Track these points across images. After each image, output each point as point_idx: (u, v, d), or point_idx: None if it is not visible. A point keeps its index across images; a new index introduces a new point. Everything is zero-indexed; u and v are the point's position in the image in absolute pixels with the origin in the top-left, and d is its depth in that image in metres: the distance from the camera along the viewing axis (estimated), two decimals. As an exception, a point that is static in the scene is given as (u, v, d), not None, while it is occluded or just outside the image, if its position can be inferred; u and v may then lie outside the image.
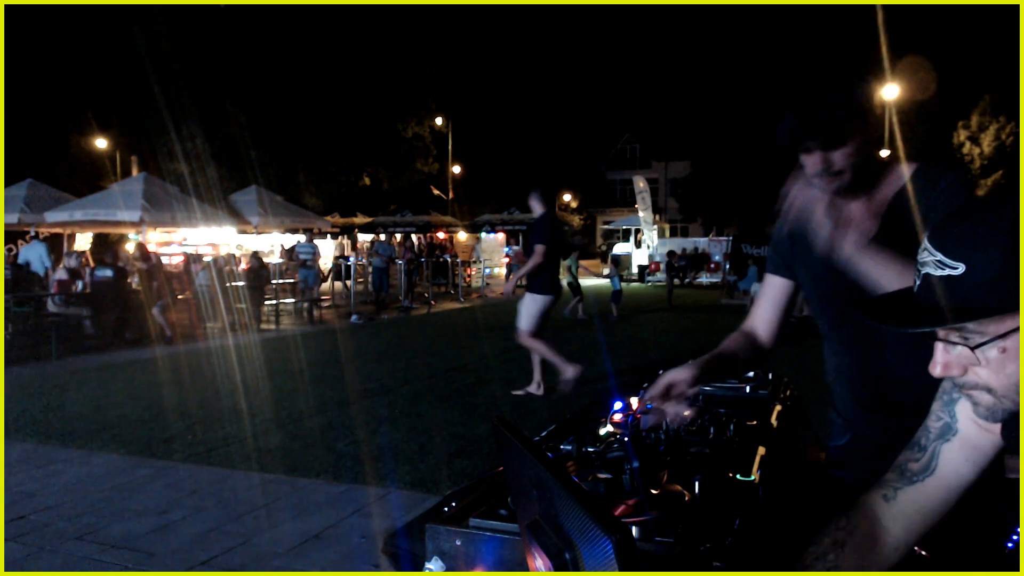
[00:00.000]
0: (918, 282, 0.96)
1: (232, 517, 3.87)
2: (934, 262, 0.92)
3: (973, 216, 0.92)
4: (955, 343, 0.95)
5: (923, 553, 1.30)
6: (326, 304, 15.98)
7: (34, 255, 12.55)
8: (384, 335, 11.68)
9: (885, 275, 1.53)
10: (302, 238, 15.96)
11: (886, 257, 1.53)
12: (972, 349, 0.93)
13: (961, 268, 0.89)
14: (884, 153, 1.77)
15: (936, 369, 0.98)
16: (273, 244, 19.46)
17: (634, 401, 2.32)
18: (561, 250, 7.04)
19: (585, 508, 0.86)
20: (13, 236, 16.51)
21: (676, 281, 18.11)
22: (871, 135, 1.62)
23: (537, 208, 6.68)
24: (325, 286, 17.29)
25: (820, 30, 35.26)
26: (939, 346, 0.98)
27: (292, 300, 14.84)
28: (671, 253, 20.22)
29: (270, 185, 20.45)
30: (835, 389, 1.90)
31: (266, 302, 13.54)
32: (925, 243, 0.95)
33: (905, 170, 1.65)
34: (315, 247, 15.20)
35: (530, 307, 6.51)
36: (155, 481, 4.47)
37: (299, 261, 14.71)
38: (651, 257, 26.18)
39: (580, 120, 53.09)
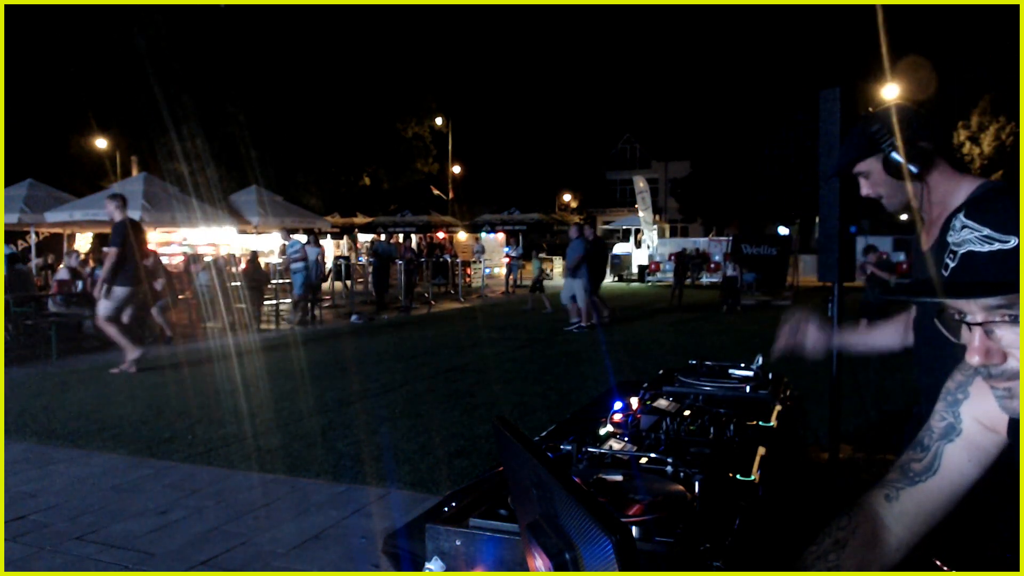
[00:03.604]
0: (952, 264, 0.93)
1: (232, 517, 3.87)
2: (979, 238, 0.89)
3: (1018, 189, 0.90)
4: (999, 325, 0.91)
5: (939, 564, 1.30)
6: (326, 304, 15.97)
7: None
8: (384, 335, 11.68)
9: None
10: (299, 238, 14.94)
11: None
12: None
13: (1013, 241, 0.86)
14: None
15: (975, 357, 0.94)
16: (274, 244, 19.42)
17: (634, 401, 2.32)
18: (137, 250, 8.11)
19: (585, 508, 0.86)
20: (13, 236, 16.51)
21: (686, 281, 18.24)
22: (888, 166, 1.86)
23: (116, 215, 7.87)
24: (325, 286, 17.29)
25: (820, 30, 35.24)
26: (977, 332, 0.93)
27: (290, 300, 14.80)
28: (682, 252, 20.24)
29: (270, 185, 20.41)
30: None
31: (266, 302, 13.53)
32: (963, 221, 0.92)
33: (970, 184, 1.84)
34: (299, 244, 13.49)
35: (110, 297, 7.83)
36: (155, 481, 4.47)
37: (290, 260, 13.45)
38: (651, 257, 26.19)
39: (580, 120, 53.09)
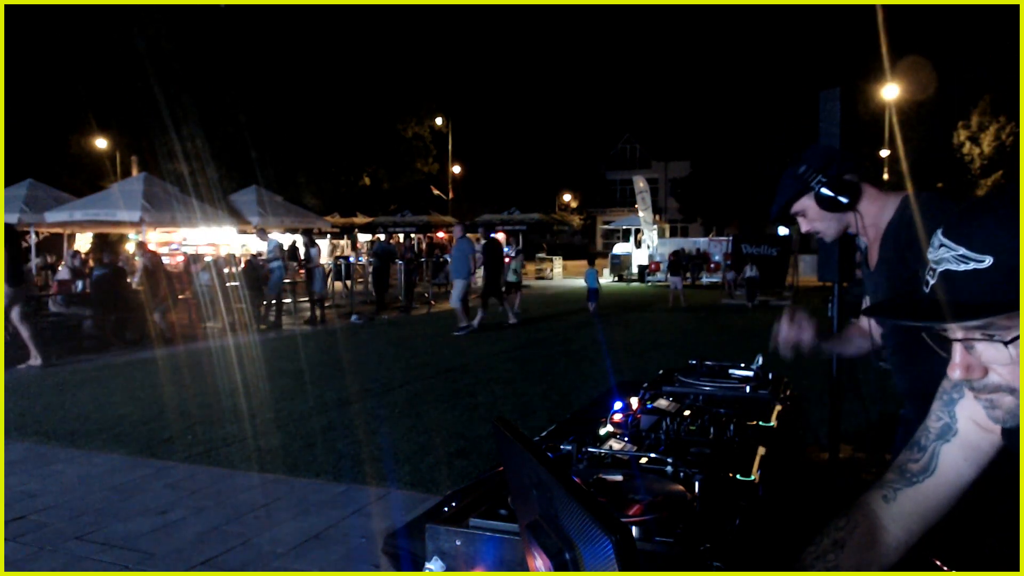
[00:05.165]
0: (932, 281, 0.92)
1: (232, 517, 3.87)
2: (955, 257, 0.88)
3: (995, 209, 0.88)
4: (979, 341, 0.91)
5: (939, 563, 1.31)
6: (326, 304, 15.94)
7: None
8: (384, 335, 11.68)
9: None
10: (274, 237, 14.37)
11: (883, 279, 1.95)
12: (1006, 344, 0.88)
13: (988, 260, 0.85)
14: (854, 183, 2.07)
15: (956, 372, 0.94)
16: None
17: (634, 401, 2.32)
18: (16, 255, 8.54)
19: (585, 508, 0.86)
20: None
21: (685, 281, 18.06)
22: (820, 201, 1.98)
23: None
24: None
25: (820, 30, 35.27)
26: (958, 348, 0.93)
27: (289, 300, 14.80)
28: (679, 251, 20.13)
29: (270, 185, 20.42)
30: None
31: (265, 302, 13.51)
32: (941, 239, 0.91)
33: (895, 200, 1.97)
34: (275, 243, 13.30)
35: None
36: (155, 481, 4.47)
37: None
38: (651, 257, 26.19)
39: (580, 120, 53.12)
